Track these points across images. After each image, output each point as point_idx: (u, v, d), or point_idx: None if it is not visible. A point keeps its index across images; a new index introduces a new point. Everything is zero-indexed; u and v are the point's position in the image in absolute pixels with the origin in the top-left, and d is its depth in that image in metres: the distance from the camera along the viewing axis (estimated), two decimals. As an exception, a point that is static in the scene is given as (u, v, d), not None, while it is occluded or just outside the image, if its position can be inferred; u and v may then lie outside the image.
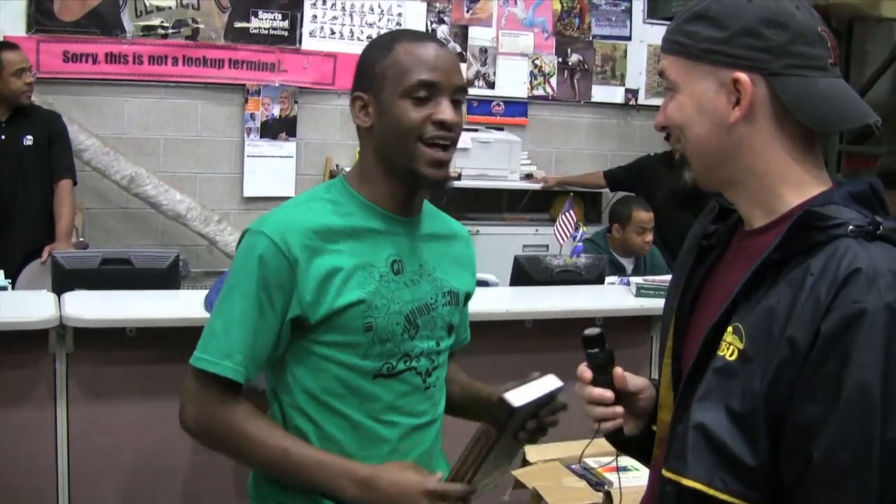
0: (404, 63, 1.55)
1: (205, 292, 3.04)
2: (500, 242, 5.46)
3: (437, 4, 6.04)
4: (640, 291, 3.57)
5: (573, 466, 2.55)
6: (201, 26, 5.49)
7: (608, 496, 2.38)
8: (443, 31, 6.06)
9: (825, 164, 1.22)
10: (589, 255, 3.97)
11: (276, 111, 5.69)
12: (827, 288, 1.06)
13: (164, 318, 2.94)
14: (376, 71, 1.57)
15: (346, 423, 1.60)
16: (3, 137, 4.23)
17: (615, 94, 6.59)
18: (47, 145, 4.31)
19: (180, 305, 3.17)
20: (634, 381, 1.39)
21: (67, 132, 4.52)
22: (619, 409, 1.36)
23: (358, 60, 1.64)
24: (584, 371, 1.36)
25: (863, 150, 6.27)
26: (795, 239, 1.11)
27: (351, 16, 5.82)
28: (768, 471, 1.08)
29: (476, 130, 6.00)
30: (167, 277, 3.39)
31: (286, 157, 5.77)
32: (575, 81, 6.46)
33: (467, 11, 6.12)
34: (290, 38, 5.69)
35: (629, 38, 6.58)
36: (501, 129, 6.18)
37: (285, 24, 5.66)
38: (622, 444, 1.43)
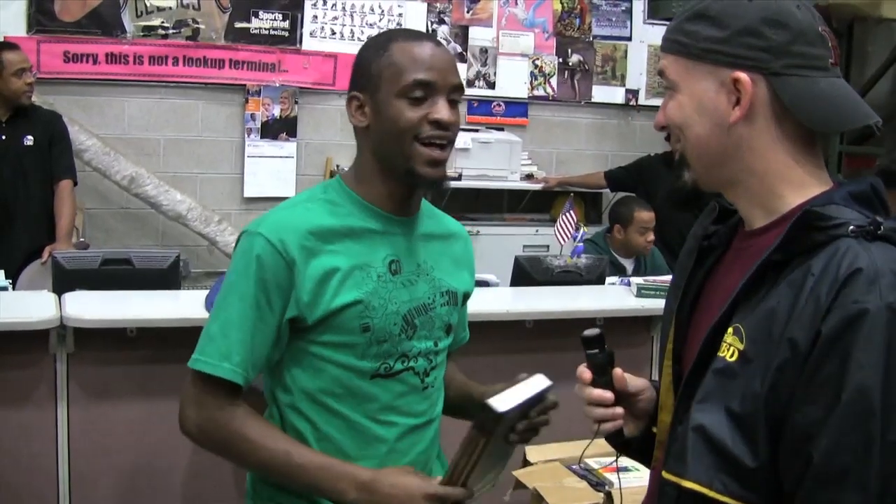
0: (400, 63, 1.55)
1: (205, 292, 3.04)
2: (500, 243, 5.46)
3: (438, 5, 6.04)
4: (641, 292, 3.57)
5: (574, 467, 2.55)
6: (202, 26, 5.49)
7: (609, 496, 2.38)
8: (443, 31, 6.06)
9: (825, 165, 1.22)
10: (589, 256, 3.97)
11: (276, 111, 5.69)
12: (827, 288, 1.05)
13: (165, 318, 2.93)
14: (372, 71, 1.57)
15: (344, 424, 1.60)
16: (3, 138, 4.23)
17: (616, 95, 6.59)
18: (48, 146, 4.31)
19: (181, 306, 3.17)
20: (634, 382, 1.38)
21: (68, 132, 4.52)
22: (619, 410, 1.35)
23: (354, 60, 1.63)
24: (584, 372, 1.35)
25: (863, 151, 6.27)
26: (796, 239, 1.10)
27: (351, 16, 5.82)
28: (768, 472, 1.08)
29: (476, 131, 6.00)
30: (168, 278, 3.38)
31: (287, 157, 5.77)
32: (575, 82, 6.46)
33: (468, 12, 6.12)
34: (291, 39, 5.69)
35: (629, 39, 6.58)
36: (502, 130, 6.18)
37: (286, 24, 5.67)
38: (622, 445, 1.42)
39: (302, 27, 5.71)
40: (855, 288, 1.04)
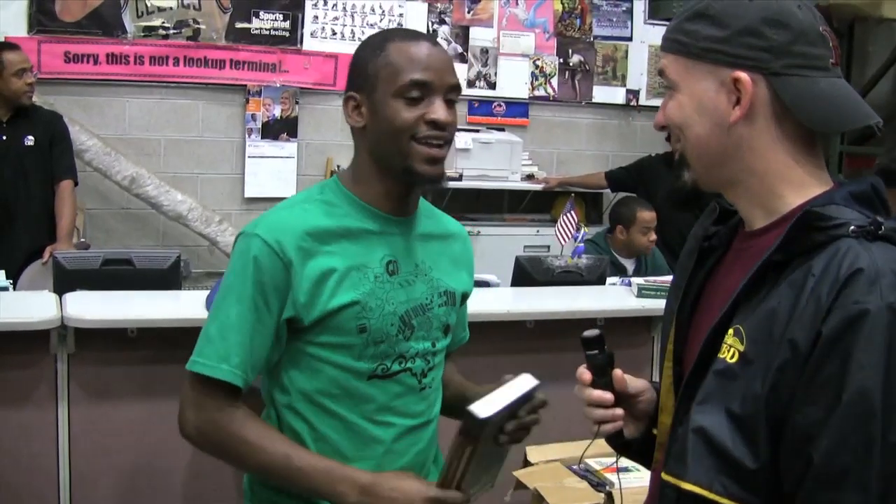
0: (397, 63, 1.54)
1: (206, 293, 3.04)
2: (501, 243, 5.47)
3: (439, 5, 6.04)
4: (642, 292, 3.57)
5: (574, 467, 2.55)
6: (202, 27, 5.49)
7: (609, 497, 2.38)
8: (444, 31, 6.06)
9: (826, 165, 1.22)
10: (590, 256, 3.97)
11: (277, 112, 5.69)
12: (828, 289, 1.05)
13: (166, 318, 2.94)
14: (369, 71, 1.56)
15: (341, 424, 1.60)
16: (4, 138, 4.23)
17: (616, 95, 6.59)
18: (48, 146, 4.31)
19: (181, 306, 3.17)
20: (634, 383, 1.38)
21: (68, 133, 4.52)
22: (619, 411, 1.35)
23: (351, 60, 1.63)
24: (584, 373, 1.35)
25: (864, 151, 6.27)
26: (796, 240, 1.10)
27: (352, 16, 5.82)
28: (768, 474, 1.08)
29: (477, 131, 6.01)
30: (168, 278, 3.39)
31: (287, 157, 5.77)
32: (576, 82, 6.46)
33: (468, 12, 6.12)
34: (292, 39, 5.69)
35: (630, 39, 6.58)
36: (502, 130, 6.18)
37: (286, 24, 5.67)
38: (622, 446, 1.41)
39: (302, 27, 5.71)
40: (856, 288, 1.04)
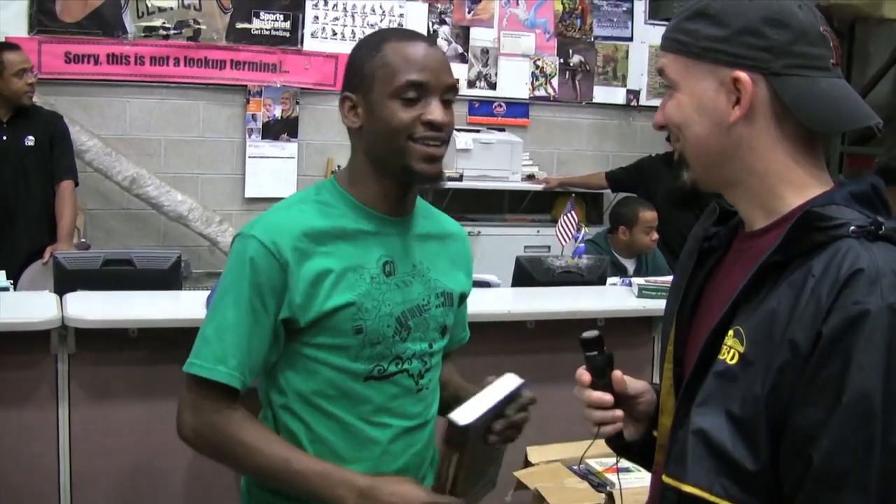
0: (393, 63, 1.54)
1: (206, 293, 3.04)
2: (501, 243, 5.47)
3: (439, 5, 6.04)
4: (642, 292, 3.57)
5: (575, 467, 2.55)
6: (203, 27, 5.49)
7: (610, 497, 2.38)
8: (444, 31, 6.06)
9: (827, 166, 1.21)
10: (591, 256, 3.97)
11: (277, 112, 5.69)
12: (828, 289, 1.05)
13: (166, 318, 2.94)
14: (365, 71, 1.56)
15: (338, 425, 1.59)
16: (4, 138, 4.23)
17: (617, 95, 6.59)
18: (49, 146, 4.31)
19: (182, 306, 3.17)
20: (634, 384, 1.37)
21: (69, 133, 4.52)
22: (619, 412, 1.34)
23: (347, 60, 1.62)
24: (583, 374, 1.34)
25: (865, 152, 6.26)
26: (796, 240, 1.10)
27: (352, 17, 5.82)
28: (769, 475, 1.07)
29: (478, 131, 6.00)
30: (169, 278, 3.39)
31: (288, 157, 5.77)
32: (576, 82, 6.46)
33: (469, 12, 6.12)
34: (292, 39, 5.69)
35: (630, 39, 6.58)
36: (503, 130, 6.18)
37: (287, 24, 5.67)
38: (623, 448, 1.41)
39: (303, 28, 5.71)
40: (856, 289, 1.03)
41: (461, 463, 1.43)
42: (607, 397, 1.33)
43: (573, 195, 4.70)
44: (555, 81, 6.39)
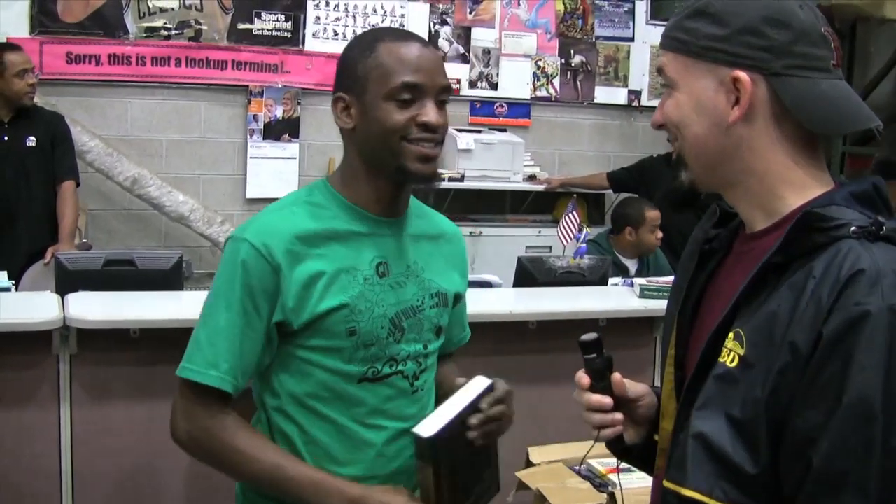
0: (387, 64, 1.52)
1: (207, 293, 3.04)
2: (503, 243, 5.46)
3: (440, 6, 6.04)
4: (644, 293, 3.57)
5: (576, 468, 2.55)
6: (204, 27, 5.50)
7: (612, 498, 2.38)
8: (445, 32, 6.06)
9: (828, 166, 1.21)
10: (592, 257, 3.97)
11: (278, 112, 5.69)
12: (829, 290, 1.04)
13: (168, 319, 2.93)
14: (359, 72, 1.55)
15: (332, 427, 1.59)
16: (6, 138, 4.24)
17: (618, 96, 6.58)
18: (50, 146, 4.32)
19: (183, 307, 3.17)
20: (634, 387, 1.36)
21: (70, 133, 4.53)
22: (619, 415, 1.33)
23: (339, 60, 1.61)
24: (582, 377, 1.33)
25: (866, 152, 6.26)
26: (796, 241, 1.09)
27: (354, 17, 5.82)
28: (769, 478, 1.07)
29: (479, 132, 6.00)
30: (170, 279, 3.39)
31: (289, 158, 5.77)
32: (578, 83, 6.46)
33: (470, 13, 6.12)
34: (293, 40, 5.69)
35: (632, 40, 6.58)
36: (504, 131, 6.18)
37: (288, 25, 5.67)
38: (623, 452, 1.40)
39: (304, 28, 5.71)
40: (856, 289, 1.03)
41: (439, 475, 1.42)
42: (606, 400, 1.32)
43: (575, 195, 4.70)
44: (556, 82, 6.39)
